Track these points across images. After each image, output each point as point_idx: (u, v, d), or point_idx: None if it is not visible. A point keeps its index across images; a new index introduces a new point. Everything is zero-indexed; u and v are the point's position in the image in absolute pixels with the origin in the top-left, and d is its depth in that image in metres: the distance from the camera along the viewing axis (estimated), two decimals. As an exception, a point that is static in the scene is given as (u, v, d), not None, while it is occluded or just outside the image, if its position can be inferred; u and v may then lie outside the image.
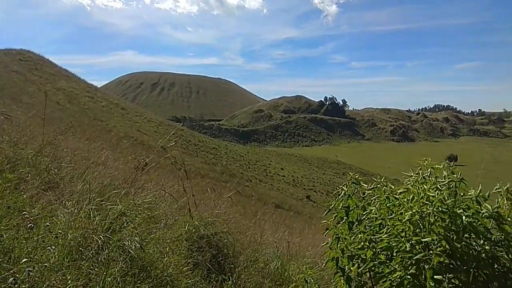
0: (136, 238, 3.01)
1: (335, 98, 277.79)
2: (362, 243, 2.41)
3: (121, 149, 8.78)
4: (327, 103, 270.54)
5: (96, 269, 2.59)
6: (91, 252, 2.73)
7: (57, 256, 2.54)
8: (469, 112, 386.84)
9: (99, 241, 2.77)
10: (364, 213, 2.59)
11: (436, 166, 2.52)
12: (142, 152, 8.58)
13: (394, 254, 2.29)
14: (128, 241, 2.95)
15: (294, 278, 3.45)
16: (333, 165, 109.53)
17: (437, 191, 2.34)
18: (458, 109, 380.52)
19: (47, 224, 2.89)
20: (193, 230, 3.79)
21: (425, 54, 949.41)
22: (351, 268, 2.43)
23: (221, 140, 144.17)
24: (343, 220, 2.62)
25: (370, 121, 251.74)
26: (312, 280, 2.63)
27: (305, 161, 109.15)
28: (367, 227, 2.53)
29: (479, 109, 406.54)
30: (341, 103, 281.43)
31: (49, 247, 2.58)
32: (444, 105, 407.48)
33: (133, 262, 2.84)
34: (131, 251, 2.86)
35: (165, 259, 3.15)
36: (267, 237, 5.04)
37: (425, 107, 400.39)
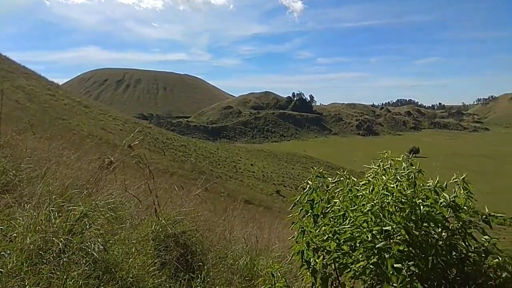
0: (99, 240, 2.93)
1: (303, 94, 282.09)
2: (326, 235, 2.46)
3: (85, 148, 8.50)
4: (295, 99, 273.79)
5: (57, 273, 2.50)
6: (52, 255, 2.63)
7: (15, 261, 2.43)
8: (430, 106, 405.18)
9: (60, 244, 2.67)
10: (328, 206, 2.64)
11: (396, 158, 2.61)
12: (107, 151, 8.31)
13: (357, 244, 2.35)
14: (90, 243, 2.86)
15: (262, 273, 3.48)
16: (301, 159, 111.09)
17: (397, 182, 2.42)
18: (419, 103, 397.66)
19: (1, 228, 2.76)
20: (160, 230, 3.73)
21: (388, 50, 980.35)
22: (317, 260, 2.47)
23: (190, 137, 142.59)
24: (308, 214, 2.65)
25: (337, 116, 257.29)
26: (279, 274, 2.65)
27: (274, 157, 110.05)
28: (331, 219, 2.58)
29: (439, 103, 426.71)
30: (309, 99, 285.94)
31: (3, 253, 2.46)
32: (406, 100, 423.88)
33: (96, 264, 2.76)
34: (94, 253, 2.78)
35: (130, 260, 3.07)
36: (236, 233, 5.05)
37: (389, 102, 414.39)
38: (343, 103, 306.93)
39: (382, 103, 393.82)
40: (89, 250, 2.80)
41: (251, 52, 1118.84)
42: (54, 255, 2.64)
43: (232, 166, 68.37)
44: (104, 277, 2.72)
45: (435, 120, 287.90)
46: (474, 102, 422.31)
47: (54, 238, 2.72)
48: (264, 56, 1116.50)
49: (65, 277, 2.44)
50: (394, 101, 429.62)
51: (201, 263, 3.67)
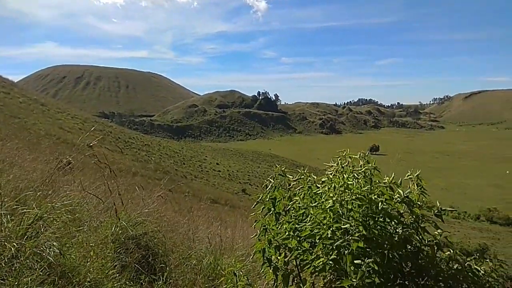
0: (54, 244, 2.81)
1: (268, 93, 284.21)
2: (287, 233, 2.49)
3: (41, 148, 8.12)
4: (260, 97, 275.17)
5: (9, 279, 2.38)
6: (3, 261, 2.50)
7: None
8: (389, 105, 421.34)
9: (13, 248, 2.54)
10: (290, 204, 2.68)
11: (354, 156, 2.68)
12: (65, 151, 8.00)
13: (317, 241, 2.39)
14: (45, 247, 2.74)
15: (225, 272, 3.47)
16: (267, 158, 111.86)
17: (354, 180, 2.49)
18: (379, 103, 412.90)
19: None
20: (120, 232, 3.63)
21: (350, 51, 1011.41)
22: (278, 257, 2.49)
23: (154, 136, 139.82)
24: (270, 212, 2.68)
25: (301, 115, 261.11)
26: (241, 273, 2.66)
27: (240, 155, 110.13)
28: (292, 217, 2.61)
29: (398, 102, 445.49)
30: (274, 98, 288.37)
31: None
32: (367, 99, 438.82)
33: (52, 269, 2.65)
34: (49, 258, 2.66)
35: (88, 263, 2.97)
36: (200, 233, 5.00)
37: (350, 101, 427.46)
38: (307, 103, 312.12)
39: (344, 103, 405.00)
40: (44, 254, 2.69)
41: (216, 50, 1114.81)
42: (6, 260, 2.51)
43: (197, 166, 67.71)
44: (60, 282, 2.62)
45: (394, 119, 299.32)
46: (430, 101, 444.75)
47: (6, 243, 2.59)
48: (229, 55, 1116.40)
49: (17, 283, 2.34)
50: (356, 100, 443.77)
51: (163, 265, 3.61)
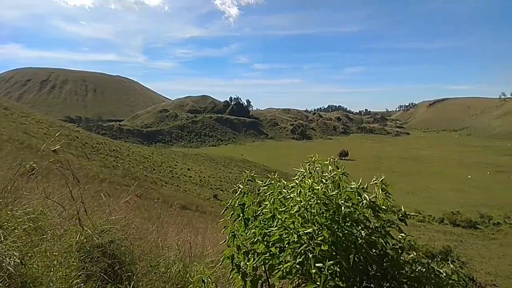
0: (15, 253, 2.69)
1: (240, 99, 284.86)
2: (256, 238, 2.50)
3: (3, 153, 7.77)
4: (232, 103, 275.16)
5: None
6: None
7: None
8: (357, 112, 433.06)
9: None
10: (259, 209, 2.69)
11: (323, 161, 2.73)
12: (29, 156, 7.66)
13: (286, 246, 2.41)
14: (5, 256, 2.62)
15: (193, 279, 3.44)
16: (239, 163, 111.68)
17: (322, 185, 2.54)
18: (348, 109, 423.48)
19: None
20: (85, 240, 3.51)
21: (319, 58, 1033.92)
22: (247, 263, 2.50)
23: (123, 141, 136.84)
24: (240, 217, 2.68)
25: (273, 121, 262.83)
26: (210, 280, 2.64)
27: (212, 161, 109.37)
28: (261, 222, 2.62)
29: (366, 109, 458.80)
30: (246, 103, 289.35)
31: None
32: (336, 106, 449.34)
33: (12, 279, 2.54)
34: (9, 268, 2.55)
35: (51, 273, 2.86)
36: (170, 240, 4.92)
37: (320, 108, 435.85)
38: (278, 108, 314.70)
39: (315, 109, 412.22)
40: (4, 264, 2.57)
41: (188, 55, 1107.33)
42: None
43: (168, 171, 66.67)
44: (21, 293, 2.51)
45: (362, 125, 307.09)
46: (396, 108, 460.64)
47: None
48: (201, 60, 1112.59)
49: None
50: (326, 107, 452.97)
51: (130, 273, 3.52)
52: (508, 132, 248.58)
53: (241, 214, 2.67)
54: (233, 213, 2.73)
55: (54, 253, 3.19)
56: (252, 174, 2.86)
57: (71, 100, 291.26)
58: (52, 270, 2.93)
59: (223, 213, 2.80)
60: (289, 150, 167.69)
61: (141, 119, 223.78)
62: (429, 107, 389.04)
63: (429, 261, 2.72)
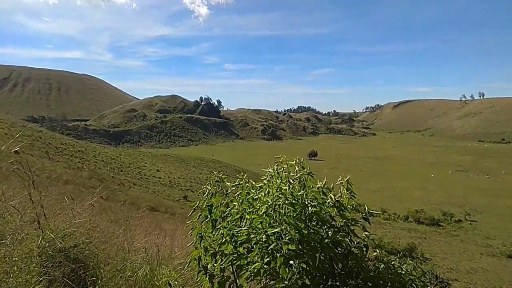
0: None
1: (210, 99, 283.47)
2: (223, 239, 2.49)
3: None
4: (202, 103, 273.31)
5: None
6: None
7: None
8: (326, 113, 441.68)
9: None
10: (227, 210, 2.68)
11: (289, 162, 2.76)
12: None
13: (253, 246, 2.42)
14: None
15: (159, 282, 3.38)
16: (209, 164, 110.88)
17: (289, 185, 2.56)
18: (317, 110, 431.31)
19: None
20: (47, 244, 3.38)
21: (290, 59, 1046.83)
22: (215, 264, 2.48)
23: (89, 142, 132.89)
24: (207, 219, 2.66)
25: (243, 121, 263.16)
26: (177, 283, 2.61)
27: (182, 162, 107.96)
28: (229, 223, 2.62)
29: (334, 110, 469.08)
30: (216, 104, 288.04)
31: None
32: (306, 107, 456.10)
33: (-34, 288, 2.41)
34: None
35: (11, 279, 2.74)
36: (137, 243, 4.81)
37: (290, 109, 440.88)
38: (249, 109, 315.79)
39: (285, 110, 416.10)
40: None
41: (157, 54, 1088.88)
42: None
43: (136, 173, 65.23)
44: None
45: (331, 126, 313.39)
46: (363, 110, 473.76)
47: None
48: (170, 59, 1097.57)
49: None
50: (295, 107, 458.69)
51: (95, 278, 3.42)
52: (469, 132, 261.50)
53: (208, 215, 2.66)
54: (200, 215, 2.70)
55: (14, 259, 3.06)
56: (220, 175, 2.85)
57: (34, 99, 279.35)
58: (11, 276, 2.81)
59: (190, 214, 2.77)
60: (259, 151, 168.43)
61: (108, 119, 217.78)
62: (394, 108, 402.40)
63: (391, 258, 2.80)
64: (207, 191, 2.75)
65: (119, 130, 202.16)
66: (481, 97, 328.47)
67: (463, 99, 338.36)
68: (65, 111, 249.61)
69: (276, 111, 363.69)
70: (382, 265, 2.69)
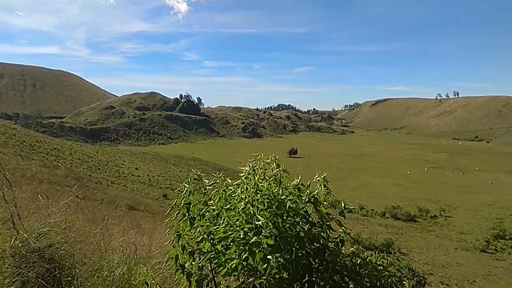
0: None
1: (190, 96, 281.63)
2: (201, 237, 2.50)
3: None
4: (182, 100, 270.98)
5: None
6: None
7: None
8: (306, 111, 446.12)
9: None
10: (205, 208, 2.69)
11: (265, 159, 2.79)
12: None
13: (231, 243, 2.44)
14: None
15: (136, 282, 3.35)
16: (189, 162, 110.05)
17: (265, 181, 2.60)
18: (297, 108, 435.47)
19: None
20: (21, 244, 3.30)
21: (270, 57, 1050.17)
22: (193, 263, 2.49)
23: (65, 139, 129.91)
24: (185, 217, 2.66)
25: (224, 119, 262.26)
26: (154, 282, 2.60)
27: (161, 159, 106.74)
28: (207, 220, 2.63)
29: (314, 108, 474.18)
30: (196, 101, 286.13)
31: None
32: (286, 105, 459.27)
33: None
34: None
35: (-18, 281, 2.67)
36: (114, 242, 4.75)
37: (271, 106, 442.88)
38: (229, 107, 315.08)
39: (265, 107, 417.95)
40: None
41: (135, 50, 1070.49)
42: None
43: (114, 171, 64.11)
44: None
45: (310, 123, 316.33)
46: (342, 108, 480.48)
47: None
48: (149, 55, 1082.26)
49: None
50: (276, 105, 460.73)
51: (70, 278, 3.36)
52: (444, 130, 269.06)
53: (186, 214, 2.65)
54: (178, 213, 2.70)
55: (-14, 260, 2.98)
56: (198, 173, 2.85)
57: (8, 95, 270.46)
58: (-18, 278, 2.73)
59: (168, 213, 2.76)
60: (240, 148, 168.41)
61: (84, 116, 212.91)
62: (372, 107, 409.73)
63: (368, 253, 2.87)
64: (185, 189, 2.75)
65: (97, 127, 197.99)
66: (456, 96, 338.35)
67: (439, 98, 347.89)
68: (40, 108, 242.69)
69: (257, 109, 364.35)
70: (359, 260, 2.76)
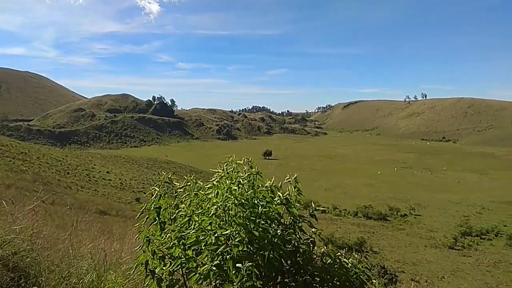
0: None
1: (164, 98, 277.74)
2: (172, 242, 2.46)
3: None
4: (155, 102, 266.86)
5: None
6: None
7: None
8: (280, 112, 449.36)
9: None
10: (176, 212, 2.66)
11: (238, 161, 2.79)
12: None
13: (203, 248, 2.42)
14: None
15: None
16: (163, 165, 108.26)
17: (239, 185, 2.59)
18: (271, 110, 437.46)
19: None
20: (-18, 253, 3.17)
21: (244, 59, 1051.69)
22: (163, 268, 2.45)
23: (32, 143, 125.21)
24: (156, 221, 2.62)
25: (198, 121, 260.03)
26: (123, 289, 2.55)
27: (134, 163, 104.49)
28: (178, 225, 2.59)
29: (288, 110, 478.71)
30: (170, 103, 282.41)
31: None
32: (260, 107, 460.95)
33: None
34: None
35: None
36: (83, 249, 4.61)
37: (245, 108, 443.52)
38: (204, 109, 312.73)
39: (240, 109, 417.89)
40: None
41: (106, 51, 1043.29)
42: None
43: (84, 175, 62.28)
44: None
45: (284, 125, 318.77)
46: (315, 110, 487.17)
47: None
48: (120, 57, 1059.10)
49: None
50: (250, 107, 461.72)
51: (37, 286, 3.25)
52: (412, 131, 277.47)
53: (157, 218, 2.61)
54: (148, 217, 2.65)
55: None
56: (169, 176, 2.82)
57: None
58: None
59: (138, 217, 2.71)
60: (215, 150, 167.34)
61: (53, 119, 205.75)
62: (343, 108, 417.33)
63: (338, 253, 2.92)
64: (156, 192, 2.71)
65: (65, 130, 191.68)
66: (424, 98, 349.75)
67: (407, 100, 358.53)
68: (7, 111, 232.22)
69: (231, 111, 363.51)
70: (329, 260, 2.80)
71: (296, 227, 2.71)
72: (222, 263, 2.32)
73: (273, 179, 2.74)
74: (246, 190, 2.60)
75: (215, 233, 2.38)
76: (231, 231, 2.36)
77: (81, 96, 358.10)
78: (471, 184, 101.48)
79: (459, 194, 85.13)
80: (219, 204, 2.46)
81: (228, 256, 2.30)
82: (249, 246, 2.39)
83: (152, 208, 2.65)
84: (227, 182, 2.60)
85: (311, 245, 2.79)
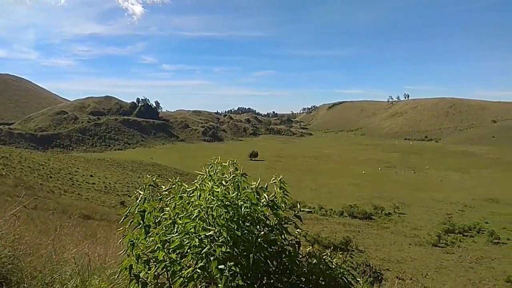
0: None
1: (148, 100, 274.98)
2: (156, 245, 2.45)
3: None
4: (139, 104, 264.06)
5: None
6: None
7: None
8: (266, 114, 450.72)
9: None
10: (161, 215, 2.65)
11: (223, 163, 2.80)
12: None
13: (187, 251, 2.41)
14: None
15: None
16: (148, 167, 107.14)
17: (222, 187, 2.60)
18: (257, 111, 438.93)
19: None
20: (-38, 261, 3.10)
21: (229, 61, 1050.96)
22: (148, 272, 2.43)
23: (14, 147, 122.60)
24: (140, 225, 2.61)
25: (183, 123, 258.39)
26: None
27: (118, 166, 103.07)
28: (163, 228, 2.59)
29: (273, 111, 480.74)
30: (154, 105, 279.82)
31: None
32: (246, 108, 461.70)
33: None
34: None
35: None
36: (67, 254, 4.55)
37: (231, 110, 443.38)
38: (189, 110, 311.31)
39: (225, 111, 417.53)
40: None
41: (88, 53, 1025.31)
42: None
43: (67, 179, 61.21)
44: None
45: (270, 126, 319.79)
46: (300, 111, 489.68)
47: None
48: (103, 58, 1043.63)
49: None
50: (236, 109, 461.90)
51: (18, 294, 3.19)
52: (395, 131, 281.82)
53: (141, 222, 2.60)
54: (131, 221, 2.64)
55: None
56: (154, 178, 2.81)
57: None
58: None
59: (122, 221, 2.69)
60: (200, 152, 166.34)
61: (34, 122, 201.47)
62: (328, 109, 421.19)
63: (323, 253, 2.96)
64: (140, 196, 2.69)
65: (48, 133, 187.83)
66: (406, 98, 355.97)
67: (390, 100, 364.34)
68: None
69: (217, 112, 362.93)
70: (314, 260, 2.83)
71: (282, 228, 2.73)
72: (206, 265, 2.32)
73: (258, 180, 2.75)
74: (230, 191, 2.60)
75: (199, 236, 2.37)
76: (214, 232, 2.36)
77: (63, 98, 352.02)
78: (454, 182, 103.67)
79: (442, 193, 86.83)
80: (202, 206, 2.46)
81: (212, 258, 2.30)
82: (233, 248, 2.39)
83: (136, 212, 2.63)
84: (210, 184, 2.60)
85: (297, 246, 2.81)
